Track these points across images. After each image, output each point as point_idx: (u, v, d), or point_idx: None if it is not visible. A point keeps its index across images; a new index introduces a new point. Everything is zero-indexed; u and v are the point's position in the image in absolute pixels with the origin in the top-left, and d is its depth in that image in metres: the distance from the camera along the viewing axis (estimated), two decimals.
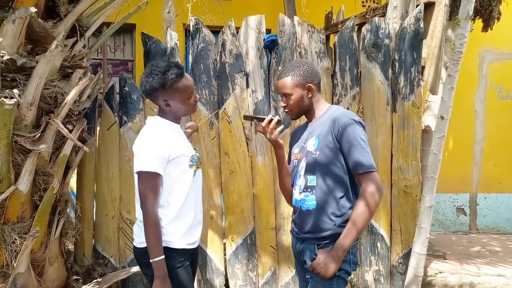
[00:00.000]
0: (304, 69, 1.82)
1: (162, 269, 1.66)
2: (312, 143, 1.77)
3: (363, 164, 1.65)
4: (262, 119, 1.85)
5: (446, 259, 3.88)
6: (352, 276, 3.16)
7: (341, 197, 1.72)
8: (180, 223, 1.77)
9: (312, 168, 1.75)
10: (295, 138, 1.97)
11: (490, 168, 5.64)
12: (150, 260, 1.67)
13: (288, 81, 1.81)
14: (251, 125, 3.07)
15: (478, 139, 5.71)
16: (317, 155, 1.74)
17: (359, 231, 1.64)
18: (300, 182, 1.81)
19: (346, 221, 1.69)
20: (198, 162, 1.85)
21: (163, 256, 1.67)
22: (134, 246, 1.81)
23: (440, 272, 3.47)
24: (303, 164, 1.80)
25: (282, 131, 1.89)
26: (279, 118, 1.84)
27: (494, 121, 5.64)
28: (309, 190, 1.76)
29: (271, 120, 1.82)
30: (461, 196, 5.67)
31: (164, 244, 1.70)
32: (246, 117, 2.11)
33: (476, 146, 5.71)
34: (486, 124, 5.69)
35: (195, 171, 1.82)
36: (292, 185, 1.91)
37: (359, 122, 1.73)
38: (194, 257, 1.92)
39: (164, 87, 1.74)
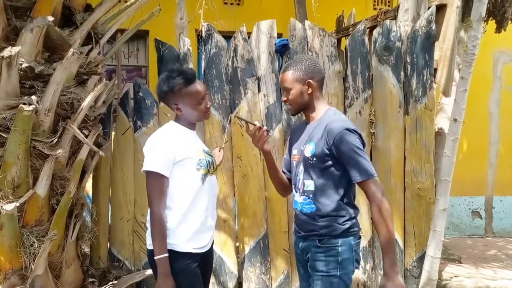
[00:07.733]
0: (306, 64, 1.79)
1: (165, 267, 1.69)
2: (309, 149, 1.77)
3: (362, 172, 1.66)
4: (252, 125, 1.87)
5: (461, 263, 3.84)
6: (366, 279, 3.14)
7: (338, 200, 1.73)
8: (187, 226, 1.78)
9: (309, 173, 1.77)
10: (294, 136, 1.97)
11: (506, 170, 5.55)
12: (154, 257, 1.71)
13: (288, 75, 1.80)
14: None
15: (493, 141, 5.63)
16: (313, 162, 1.75)
17: (392, 238, 1.65)
18: (300, 185, 1.83)
19: (345, 220, 1.73)
20: (209, 167, 1.86)
21: (166, 254, 1.70)
22: (147, 248, 1.85)
23: (456, 276, 3.44)
24: (301, 169, 1.82)
25: (268, 139, 1.90)
26: (267, 129, 1.87)
27: (509, 123, 5.56)
28: (306, 194, 1.79)
29: (260, 128, 1.84)
30: (477, 199, 5.59)
31: (169, 247, 1.73)
32: (238, 117, 2.15)
33: (491, 148, 5.63)
34: (501, 126, 5.61)
35: (204, 175, 1.83)
36: (293, 187, 1.92)
37: (353, 130, 1.70)
38: (206, 260, 1.93)
39: (173, 91, 1.81)
